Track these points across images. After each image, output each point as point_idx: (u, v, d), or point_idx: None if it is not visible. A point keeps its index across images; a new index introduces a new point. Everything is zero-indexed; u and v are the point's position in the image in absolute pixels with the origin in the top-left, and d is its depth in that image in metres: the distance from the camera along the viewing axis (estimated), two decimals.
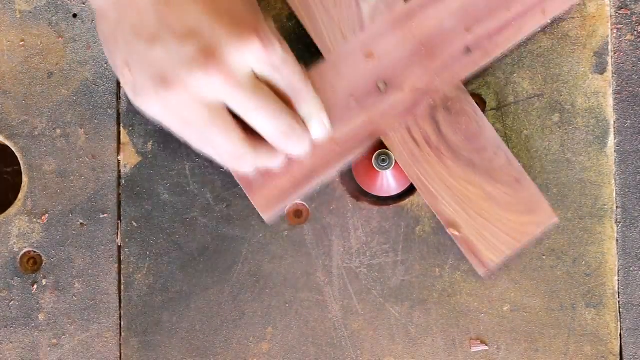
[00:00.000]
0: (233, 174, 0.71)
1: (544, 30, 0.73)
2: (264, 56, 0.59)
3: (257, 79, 0.60)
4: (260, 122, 0.61)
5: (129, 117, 0.75)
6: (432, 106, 0.70)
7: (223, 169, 0.74)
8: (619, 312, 0.73)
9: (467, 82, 0.72)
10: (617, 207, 0.73)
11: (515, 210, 0.69)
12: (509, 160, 0.70)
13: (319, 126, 0.66)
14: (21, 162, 0.75)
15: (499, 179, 0.69)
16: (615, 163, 0.73)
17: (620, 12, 0.74)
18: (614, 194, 0.73)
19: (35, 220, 0.75)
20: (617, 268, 0.73)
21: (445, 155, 0.70)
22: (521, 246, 0.70)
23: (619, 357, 0.73)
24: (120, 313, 0.74)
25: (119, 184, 0.75)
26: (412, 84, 0.69)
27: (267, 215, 0.71)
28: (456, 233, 0.69)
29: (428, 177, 0.70)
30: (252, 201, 0.70)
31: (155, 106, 0.61)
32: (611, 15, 0.74)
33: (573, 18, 0.74)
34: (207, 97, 0.59)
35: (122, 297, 0.74)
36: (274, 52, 0.60)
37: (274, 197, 0.70)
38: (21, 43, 0.76)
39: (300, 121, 0.64)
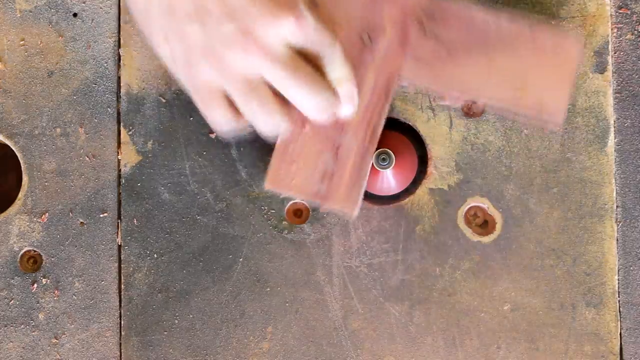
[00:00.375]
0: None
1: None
2: (298, 30, 0.61)
3: (294, 52, 0.62)
4: (299, 97, 0.64)
5: (129, 116, 0.75)
6: (419, 27, 0.70)
7: (223, 168, 0.74)
8: (619, 312, 0.73)
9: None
10: (617, 206, 0.73)
11: (546, 57, 0.69)
12: (512, 21, 0.69)
13: (348, 92, 0.67)
14: (21, 161, 0.75)
15: (516, 43, 0.69)
16: (615, 162, 0.73)
17: (621, 12, 0.74)
18: (614, 193, 0.73)
19: (35, 219, 0.75)
20: (617, 267, 0.73)
21: (458, 54, 0.70)
22: (572, 80, 0.70)
23: (619, 356, 0.73)
24: (120, 312, 0.74)
25: (119, 183, 0.75)
26: (390, 20, 0.70)
27: (353, 208, 0.70)
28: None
29: (459, 81, 0.70)
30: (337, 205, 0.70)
31: (190, 76, 0.63)
32: (611, 15, 0.74)
33: (573, 17, 0.74)
34: (246, 73, 0.62)
35: (122, 297, 0.74)
36: (308, 25, 0.62)
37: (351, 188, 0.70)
38: (21, 42, 0.76)
39: (334, 91, 0.66)
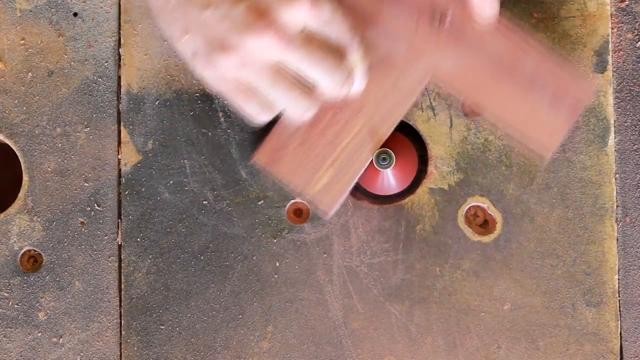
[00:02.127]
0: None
1: (544, 29, 0.73)
2: (313, 13, 0.61)
3: (309, 35, 0.63)
4: (317, 75, 0.64)
5: (130, 116, 0.75)
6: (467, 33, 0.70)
7: (223, 168, 0.74)
8: (619, 311, 0.73)
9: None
10: (617, 205, 0.73)
11: (560, 98, 0.69)
12: (541, 53, 0.69)
13: (361, 76, 0.67)
14: (21, 161, 0.75)
15: (537, 78, 0.69)
16: (615, 162, 0.73)
17: (621, 11, 0.74)
18: (615, 192, 0.73)
19: (35, 219, 0.75)
20: (617, 267, 0.73)
21: (488, 71, 0.70)
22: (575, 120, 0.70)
23: (619, 356, 0.73)
24: (120, 312, 0.74)
25: (119, 183, 0.75)
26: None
27: (330, 210, 0.71)
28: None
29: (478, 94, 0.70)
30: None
31: (213, 70, 0.63)
32: (611, 14, 0.74)
33: (573, 17, 0.74)
34: (265, 59, 0.62)
35: (122, 296, 0.74)
36: (322, 9, 0.62)
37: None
38: (21, 42, 0.76)
39: (350, 66, 0.66)
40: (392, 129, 0.70)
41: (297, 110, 0.65)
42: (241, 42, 0.60)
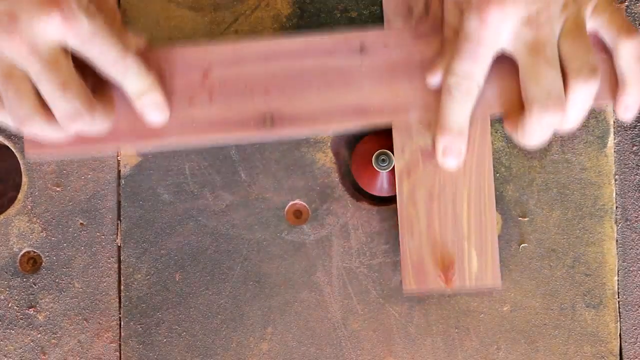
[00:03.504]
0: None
1: None
2: (66, 29, 0.59)
3: (60, 53, 0.59)
4: (49, 96, 0.60)
5: None
6: None
7: (223, 168, 0.74)
8: (619, 312, 0.73)
9: None
10: (616, 207, 0.73)
11: None
12: None
13: (153, 101, 0.64)
14: (21, 162, 0.75)
15: None
16: (615, 163, 0.73)
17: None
18: (614, 194, 0.73)
19: (35, 220, 0.75)
20: (616, 268, 0.73)
21: None
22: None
23: (618, 357, 0.73)
24: (120, 312, 0.74)
25: (118, 184, 0.75)
26: None
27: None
28: None
29: None
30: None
31: None
32: None
33: None
34: (6, 60, 0.59)
35: (121, 297, 0.74)
36: (79, 26, 0.59)
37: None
38: None
39: (95, 106, 0.62)
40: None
41: (17, 119, 0.61)
42: None
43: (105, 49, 0.61)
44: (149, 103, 0.64)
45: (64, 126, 0.62)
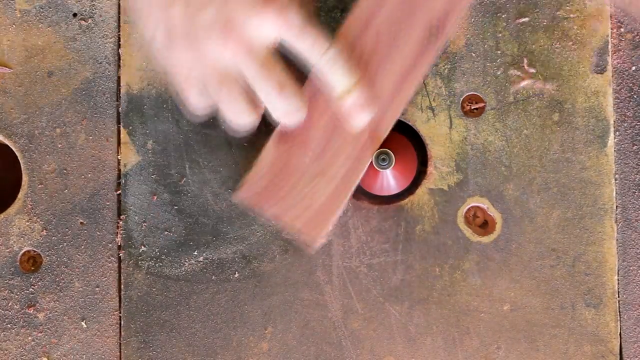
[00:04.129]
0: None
1: (544, 30, 0.73)
2: (280, 23, 0.60)
3: (277, 54, 0.61)
4: (267, 97, 0.62)
5: (129, 116, 0.75)
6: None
7: (223, 168, 0.74)
8: (619, 312, 0.73)
9: (466, 82, 0.72)
10: (617, 206, 0.73)
11: None
12: None
13: (357, 102, 0.65)
14: (21, 162, 0.75)
15: None
16: (615, 162, 0.73)
17: (621, 12, 0.74)
18: (614, 193, 0.73)
19: (35, 219, 0.75)
20: (617, 267, 0.73)
21: None
22: None
23: (618, 356, 0.73)
24: (120, 312, 0.74)
25: (118, 183, 0.75)
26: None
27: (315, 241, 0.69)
28: None
29: None
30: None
31: (170, 62, 0.62)
32: (611, 14, 0.74)
33: (573, 17, 0.74)
34: (221, 64, 0.61)
35: (122, 297, 0.74)
36: (292, 18, 0.60)
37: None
38: (21, 42, 0.76)
39: (303, 99, 0.64)
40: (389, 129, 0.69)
41: (236, 119, 0.64)
42: (202, 42, 0.60)
43: (313, 42, 0.61)
44: (354, 103, 0.64)
45: (279, 121, 0.65)
